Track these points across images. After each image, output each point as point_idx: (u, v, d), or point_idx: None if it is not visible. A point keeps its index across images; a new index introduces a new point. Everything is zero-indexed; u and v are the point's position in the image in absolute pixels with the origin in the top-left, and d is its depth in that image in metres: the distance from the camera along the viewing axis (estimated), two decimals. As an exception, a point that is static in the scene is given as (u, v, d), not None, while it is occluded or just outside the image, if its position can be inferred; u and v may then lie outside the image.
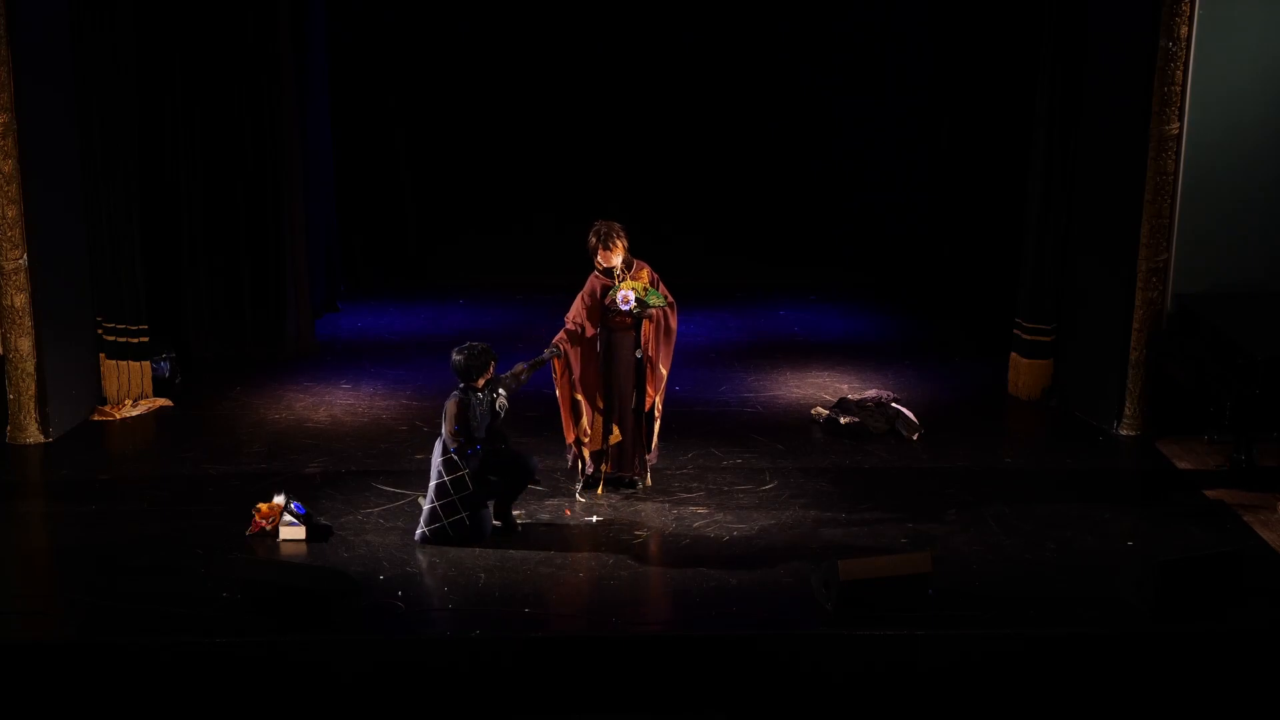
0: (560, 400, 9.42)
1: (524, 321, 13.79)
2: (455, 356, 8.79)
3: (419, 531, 8.91)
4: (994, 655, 7.84)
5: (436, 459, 8.86)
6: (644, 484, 9.63)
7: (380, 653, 7.79)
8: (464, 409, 8.73)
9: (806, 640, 7.88)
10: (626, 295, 9.19)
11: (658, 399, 9.53)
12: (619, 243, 9.29)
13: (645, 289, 9.25)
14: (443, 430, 8.78)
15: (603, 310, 9.31)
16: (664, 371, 9.50)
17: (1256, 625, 7.98)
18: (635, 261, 9.40)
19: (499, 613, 8.03)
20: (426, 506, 8.91)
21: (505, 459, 8.97)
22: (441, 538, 8.84)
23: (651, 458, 9.68)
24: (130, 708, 7.69)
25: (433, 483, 8.85)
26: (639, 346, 9.36)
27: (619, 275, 9.31)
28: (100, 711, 7.68)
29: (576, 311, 9.33)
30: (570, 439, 9.50)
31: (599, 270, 9.37)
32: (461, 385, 8.80)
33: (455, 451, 8.75)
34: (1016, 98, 12.52)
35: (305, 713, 7.74)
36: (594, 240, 9.33)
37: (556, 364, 9.31)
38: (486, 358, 8.81)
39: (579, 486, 9.56)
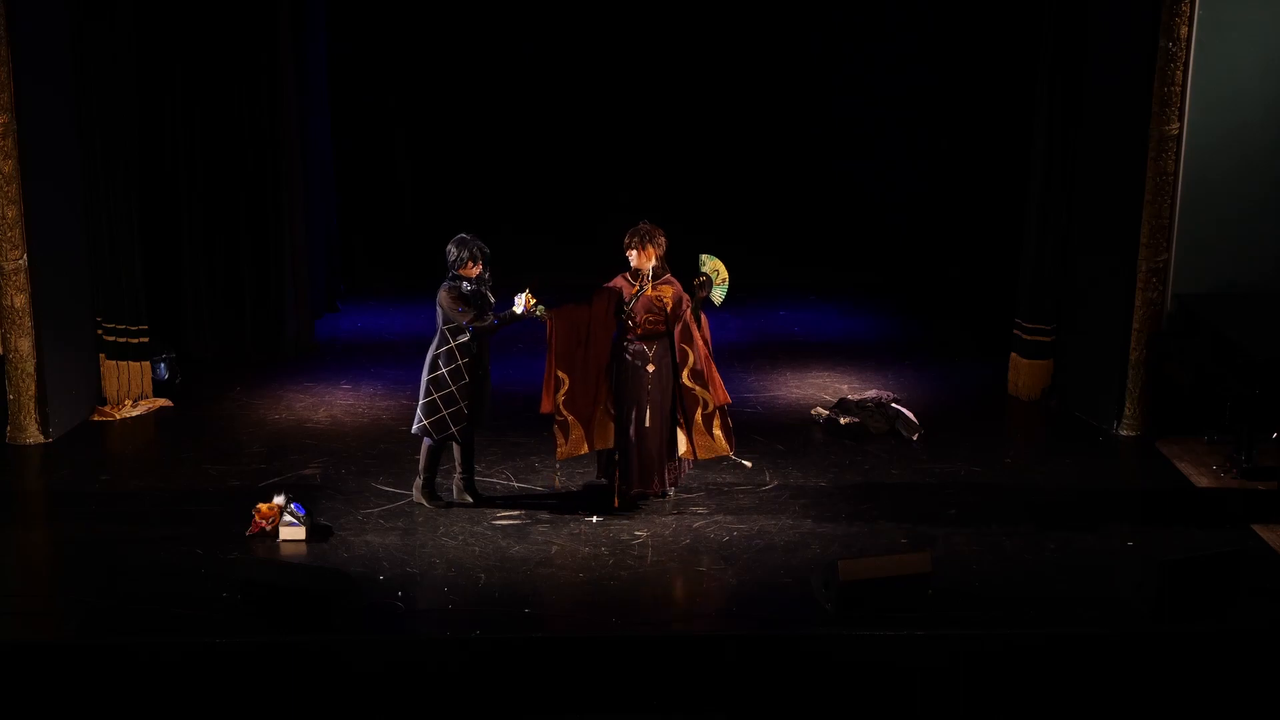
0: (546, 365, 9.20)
1: (523, 320, 13.76)
2: (449, 246, 9.07)
3: (416, 426, 9.19)
4: (994, 655, 7.84)
5: (433, 351, 9.09)
6: (668, 496, 9.47)
7: (380, 653, 7.80)
8: (458, 291, 9.01)
9: (806, 640, 7.88)
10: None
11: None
12: (651, 249, 9.07)
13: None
14: (439, 320, 9.05)
15: (619, 311, 9.16)
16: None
17: (1257, 625, 7.99)
18: (668, 274, 9.16)
19: (499, 613, 8.03)
20: (423, 400, 9.13)
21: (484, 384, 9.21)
22: (441, 429, 9.08)
23: (658, 489, 9.39)
24: (130, 708, 7.69)
25: (427, 376, 9.12)
26: (651, 360, 9.15)
27: (644, 281, 9.13)
28: (100, 711, 7.69)
29: (593, 297, 9.14)
30: (545, 408, 9.21)
31: (629, 271, 9.20)
32: (450, 275, 9.06)
33: (474, 328, 9.01)
34: (1016, 98, 12.52)
35: (305, 713, 7.75)
36: (629, 239, 9.11)
37: (548, 326, 9.12)
38: (473, 248, 9.05)
39: (558, 469, 9.57)
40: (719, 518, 9.30)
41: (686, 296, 9.22)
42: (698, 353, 9.26)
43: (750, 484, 9.86)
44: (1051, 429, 11.21)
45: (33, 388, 10.46)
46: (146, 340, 11.40)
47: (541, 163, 14.91)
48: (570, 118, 14.85)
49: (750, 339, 13.37)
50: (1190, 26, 10.08)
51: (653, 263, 9.11)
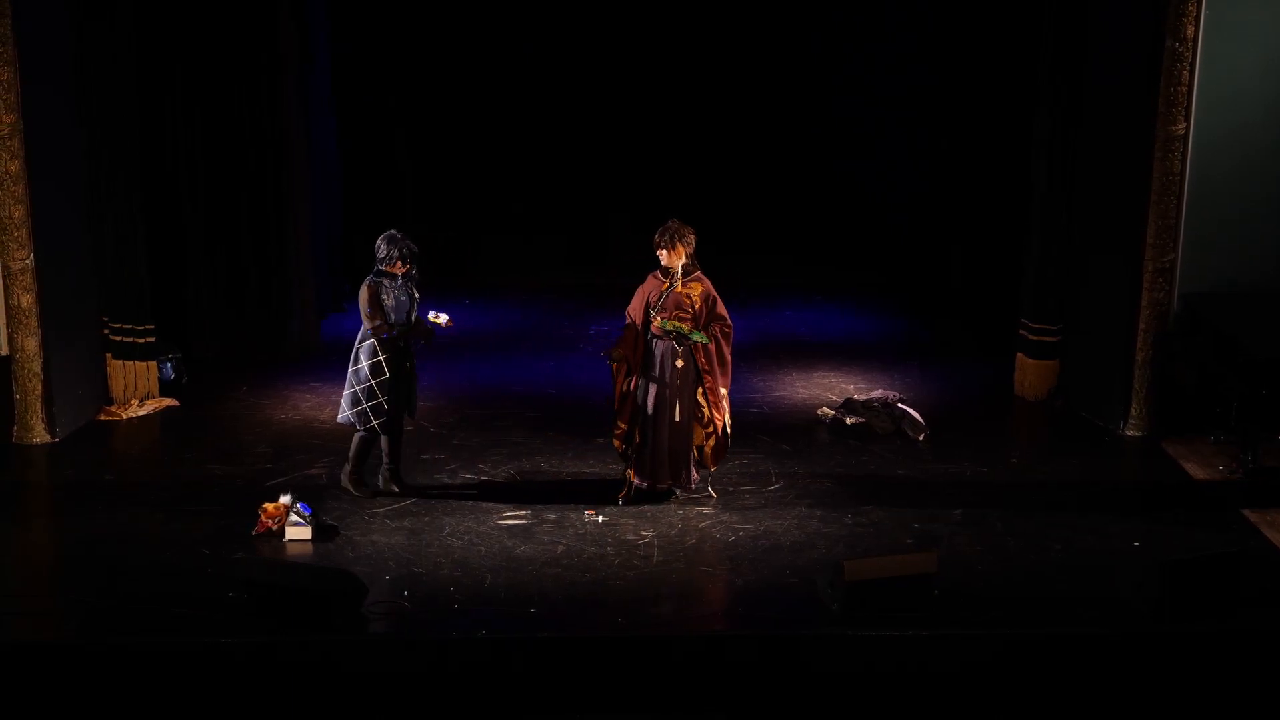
0: (617, 395, 9.35)
1: (526, 321, 13.79)
2: (379, 241, 9.22)
3: (342, 416, 9.37)
4: (998, 655, 7.84)
5: (357, 344, 9.28)
6: (678, 493, 9.51)
7: (385, 653, 7.80)
8: (376, 292, 9.17)
9: (812, 640, 7.88)
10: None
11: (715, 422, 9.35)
12: (681, 247, 9.15)
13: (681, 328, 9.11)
14: (361, 315, 9.24)
15: (645, 310, 9.23)
16: (704, 402, 9.30)
17: (1258, 626, 7.99)
18: (697, 271, 9.25)
19: (504, 613, 8.03)
20: (347, 392, 9.30)
21: (407, 380, 9.36)
22: (364, 421, 9.26)
23: (685, 482, 9.47)
24: (130, 708, 7.68)
25: (352, 367, 9.28)
26: (679, 356, 9.20)
27: (674, 278, 9.20)
28: (100, 711, 7.68)
29: (634, 307, 9.26)
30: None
31: (660, 269, 9.28)
32: (375, 270, 9.23)
33: (372, 333, 9.18)
34: (1017, 98, 12.52)
35: (309, 713, 7.74)
36: (659, 237, 9.19)
37: (615, 368, 9.28)
38: (402, 247, 9.17)
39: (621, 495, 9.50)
40: (725, 517, 9.30)
41: (715, 295, 9.27)
42: (714, 376, 9.30)
43: (756, 484, 9.86)
44: (1056, 429, 11.21)
45: (39, 387, 10.47)
46: (153, 340, 11.41)
47: (542, 163, 14.92)
48: (570, 118, 14.87)
49: (755, 339, 13.37)
50: (1196, 26, 10.09)
51: (682, 260, 9.19)
